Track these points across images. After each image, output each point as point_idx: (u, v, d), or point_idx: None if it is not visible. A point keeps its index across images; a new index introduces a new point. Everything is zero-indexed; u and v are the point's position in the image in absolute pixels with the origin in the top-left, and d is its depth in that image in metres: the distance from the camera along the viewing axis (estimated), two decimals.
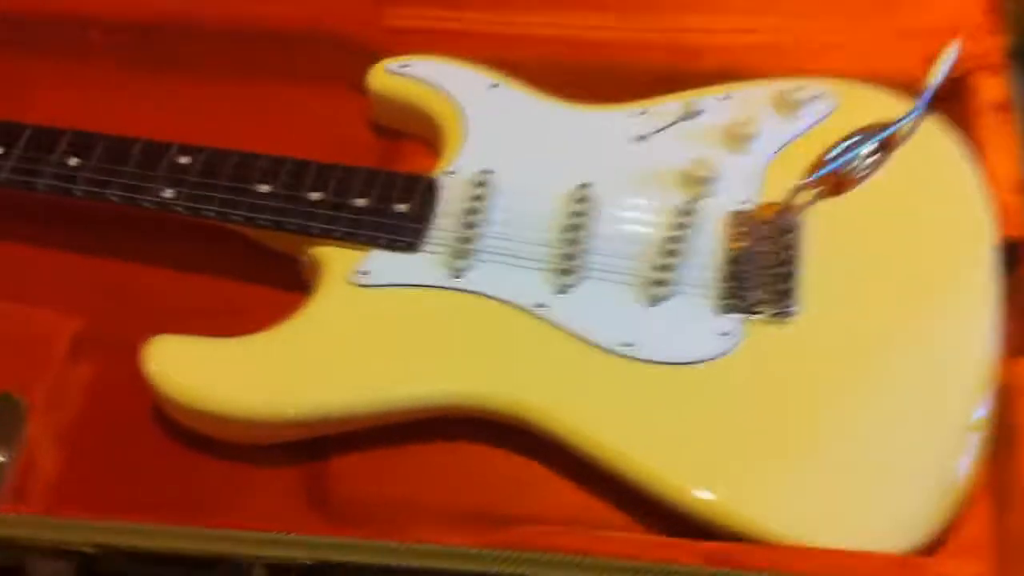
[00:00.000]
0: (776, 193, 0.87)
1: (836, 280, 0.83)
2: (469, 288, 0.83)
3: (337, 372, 0.80)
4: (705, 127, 0.91)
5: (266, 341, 0.81)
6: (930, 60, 0.93)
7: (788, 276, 0.83)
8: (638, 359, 0.80)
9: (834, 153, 0.88)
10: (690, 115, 0.91)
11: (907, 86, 0.92)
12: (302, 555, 0.72)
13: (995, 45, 0.95)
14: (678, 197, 0.87)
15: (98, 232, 0.92)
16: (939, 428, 0.78)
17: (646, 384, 0.80)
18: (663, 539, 0.76)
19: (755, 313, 0.82)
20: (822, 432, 0.78)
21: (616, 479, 0.78)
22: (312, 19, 1.00)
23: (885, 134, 0.88)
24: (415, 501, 0.81)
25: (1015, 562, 0.76)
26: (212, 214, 0.86)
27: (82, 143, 0.88)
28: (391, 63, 0.95)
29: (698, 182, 0.87)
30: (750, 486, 0.77)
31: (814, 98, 0.91)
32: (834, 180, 0.87)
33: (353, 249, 0.84)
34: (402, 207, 0.85)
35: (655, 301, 0.82)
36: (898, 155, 0.89)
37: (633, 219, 0.86)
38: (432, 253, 0.84)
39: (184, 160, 0.87)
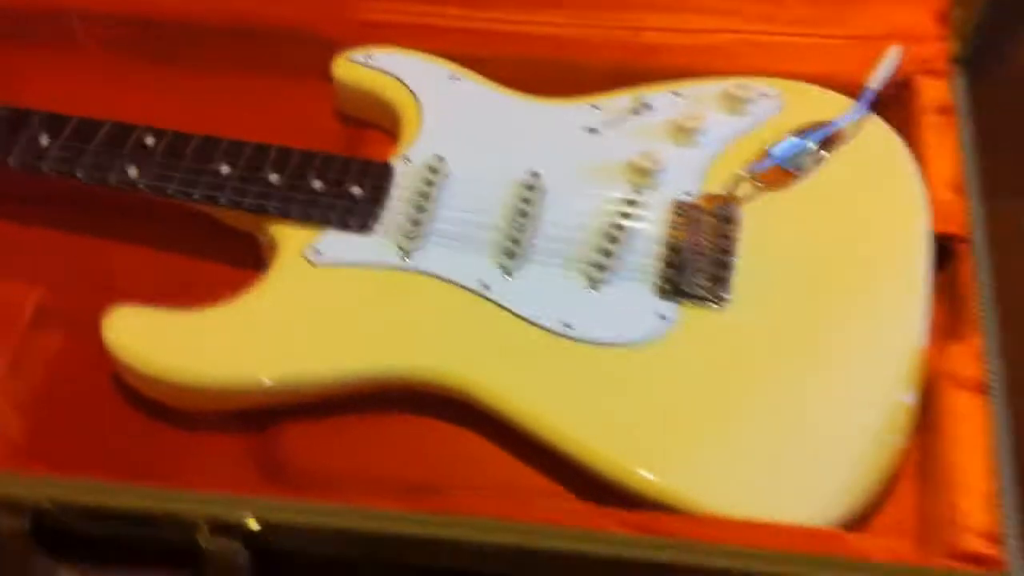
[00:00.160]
0: (719, 186, 0.90)
1: (772, 269, 0.86)
2: (417, 268, 0.86)
3: (287, 345, 0.83)
4: (654, 122, 0.94)
5: (220, 314, 0.84)
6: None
7: (725, 265, 0.86)
8: (577, 339, 0.83)
9: (776, 148, 0.91)
10: (640, 110, 0.94)
11: (859, 89, 0.95)
12: (245, 515, 0.75)
13: (941, 51, 0.98)
14: (624, 187, 0.90)
15: (65, 209, 0.96)
16: (867, 411, 0.81)
17: (583, 363, 0.82)
18: (590, 507, 0.79)
19: (691, 299, 0.85)
20: (752, 413, 0.81)
21: (553, 453, 0.81)
22: (289, 14, 1.03)
23: (826, 132, 0.91)
24: (359, 471, 0.84)
25: (935, 542, 0.78)
26: (174, 193, 0.89)
27: (54, 123, 0.92)
28: (355, 53, 0.98)
29: (644, 173, 0.90)
30: (682, 462, 0.79)
31: (761, 96, 0.95)
32: (776, 175, 0.90)
33: (308, 229, 0.88)
34: (356, 190, 0.89)
35: (596, 285, 0.85)
36: (840, 153, 0.92)
37: (579, 207, 0.89)
38: (383, 234, 0.88)
39: (150, 141, 0.90)
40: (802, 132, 0.92)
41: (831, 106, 0.94)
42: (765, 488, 0.78)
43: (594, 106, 0.95)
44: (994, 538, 0.74)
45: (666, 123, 0.93)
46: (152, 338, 0.83)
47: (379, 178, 0.90)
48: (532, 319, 0.84)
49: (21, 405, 0.87)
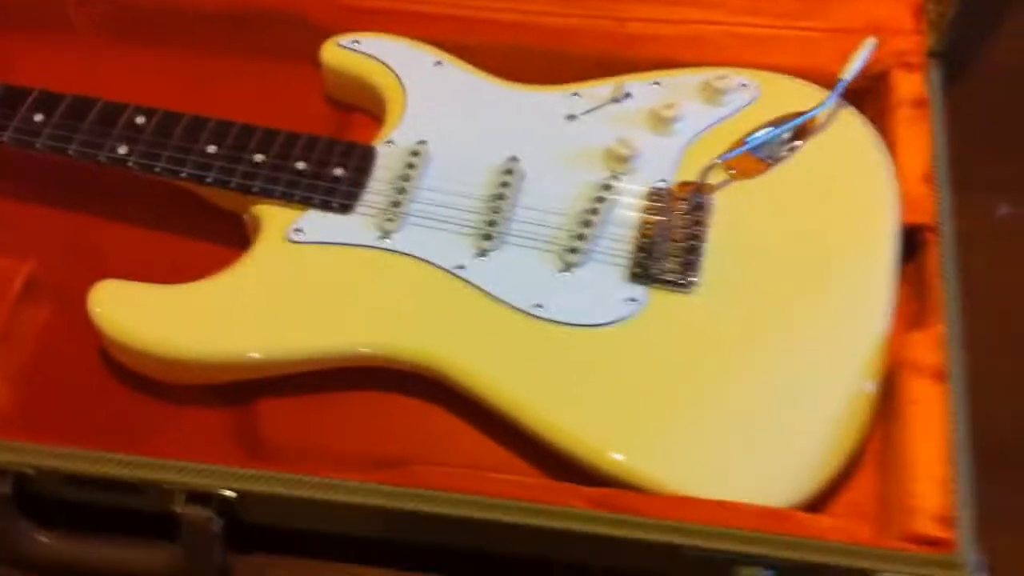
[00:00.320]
0: (692, 174, 0.92)
1: (741, 256, 0.88)
2: (395, 248, 0.88)
3: (267, 320, 0.86)
4: (632, 110, 0.96)
5: (203, 289, 0.87)
6: None
7: (695, 250, 0.88)
8: (547, 320, 0.85)
9: (751, 137, 0.93)
10: (619, 98, 0.96)
11: (836, 81, 0.97)
12: (219, 484, 0.78)
13: (916, 44, 0.99)
14: (600, 173, 0.92)
15: (56, 186, 0.98)
16: (830, 396, 0.83)
17: (554, 344, 0.85)
18: (553, 483, 0.81)
19: (661, 283, 0.87)
20: (718, 396, 0.83)
21: (521, 431, 0.83)
22: (279, 0, 1.05)
23: (798, 122, 0.93)
24: (332, 445, 0.86)
25: (891, 525, 0.79)
26: (161, 171, 0.91)
27: (48, 101, 0.94)
28: (343, 38, 1.01)
29: (620, 160, 0.92)
30: (647, 443, 0.81)
31: (739, 87, 0.97)
32: (750, 164, 0.92)
33: (291, 208, 0.90)
34: (339, 171, 0.91)
35: (568, 267, 0.87)
36: (813, 143, 0.94)
37: (555, 191, 0.91)
38: (364, 215, 0.90)
39: (140, 120, 0.93)
40: (777, 122, 0.94)
41: (808, 97, 0.96)
42: (729, 470, 0.81)
43: (575, 94, 0.97)
44: (947, 521, 0.76)
45: (644, 111, 0.95)
46: (136, 312, 0.86)
47: (362, 160, 0.92)
48: (504, 299, 0.86)
49: (9, 376, 0.89)
